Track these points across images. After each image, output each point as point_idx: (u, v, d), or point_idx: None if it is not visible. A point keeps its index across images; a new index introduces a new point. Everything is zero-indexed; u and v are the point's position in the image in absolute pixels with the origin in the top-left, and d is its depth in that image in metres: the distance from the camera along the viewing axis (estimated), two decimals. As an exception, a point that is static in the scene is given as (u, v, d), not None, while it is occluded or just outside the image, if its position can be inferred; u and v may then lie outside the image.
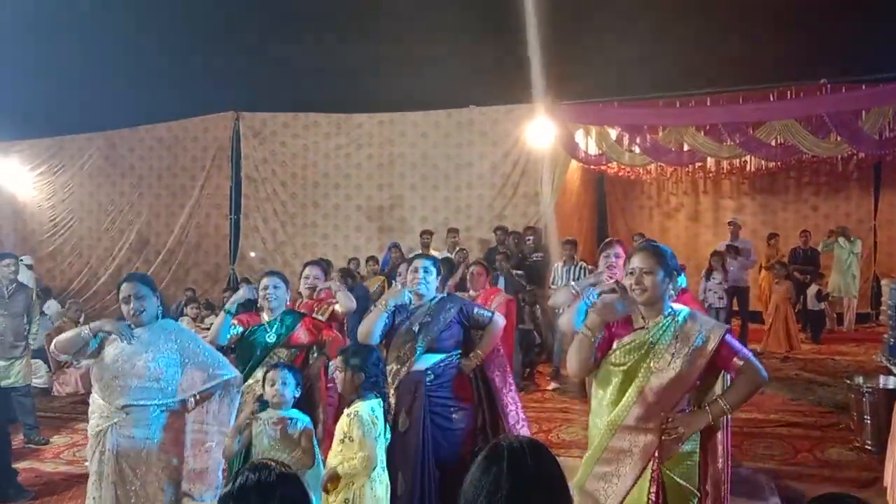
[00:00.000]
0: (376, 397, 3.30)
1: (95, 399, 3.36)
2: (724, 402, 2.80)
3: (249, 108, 12.27)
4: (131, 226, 12.62)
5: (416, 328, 3.88)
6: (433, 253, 9.09)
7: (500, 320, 4.11)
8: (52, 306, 9.76)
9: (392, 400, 3.79)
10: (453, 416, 3.87)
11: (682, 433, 2.77)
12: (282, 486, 1.75)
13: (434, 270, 4.03)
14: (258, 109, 12.23)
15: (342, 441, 3.21)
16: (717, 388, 2.96)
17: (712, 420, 2.80)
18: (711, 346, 2.79)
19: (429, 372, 3.85)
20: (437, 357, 3.88)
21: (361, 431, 3.14)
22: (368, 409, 3.22)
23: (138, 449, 3.30)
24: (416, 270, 3.99)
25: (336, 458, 3.22)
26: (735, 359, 2.81)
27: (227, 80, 12.21)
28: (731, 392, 2.85)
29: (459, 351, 4.01)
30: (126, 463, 3.27)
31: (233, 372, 3.63)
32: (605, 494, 2.84)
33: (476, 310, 4.09)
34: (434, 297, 4.00)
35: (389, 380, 3.80)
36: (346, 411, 3.27)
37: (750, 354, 2.85)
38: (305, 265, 4.95)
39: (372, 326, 3.84)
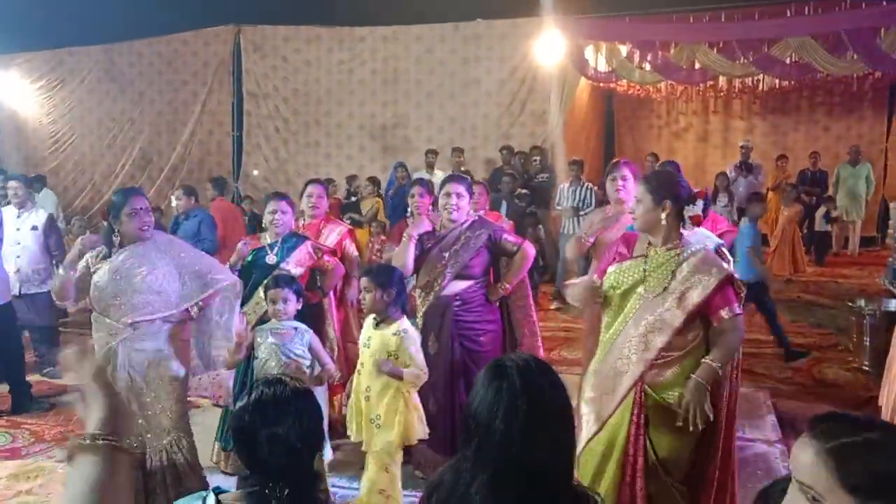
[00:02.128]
0: (403, 313, 3.37)
1: (100, 318, 3.38)
2: (713, 361, 2.73)
3: (250, 22, 11.92)
4: (133, 142, 12.49)
5: (446, 254, 3.86)
6: (437, 173, 9.03)
7: (529, 250, 4.01)
8: (48, 196, 9.57)
9: (420, 323, 3.86)
10: (481, 338, 3.89)
11: (696, 410, 2.70)
12: (296, 400, 1.78)
13: (467, 195, 3.94)
14: (259, 22, 11.89)
15: (388, 360, 3.24)
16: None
17: (706, 383, 2.70)
18: (712, 285, 2.75)
19: (457, 297, 3.86)
20: (465, 283, 3.88)
21: (414, 347, 3.24)
22: (410, 325, 3.32)
23: (149, 361, 3.35)
24: (448, 195, 3.89)
25: (381, 378, 3.25)
26: (722, 311, 2.77)
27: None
28: (718, 351, 2.76)
29: (487, 277, 4.00)
30: (138, 376, 3.32)
31: (231, 277, 3.64)
32: (592, 414, 2.90)
33: (505, 237, 3.99)
34: (465, 222, 3.93)
35: (419, 303, 3.85)
36: (388, 331, 3.27)
37: (738, 310, 2.81)
38: (308, 183, 4.89)
39: (404, 259, 3.84)
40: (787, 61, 9.46)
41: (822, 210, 10.51)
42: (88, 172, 12.70)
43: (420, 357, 3.27)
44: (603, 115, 13.17)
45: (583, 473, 2.88)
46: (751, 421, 4.75)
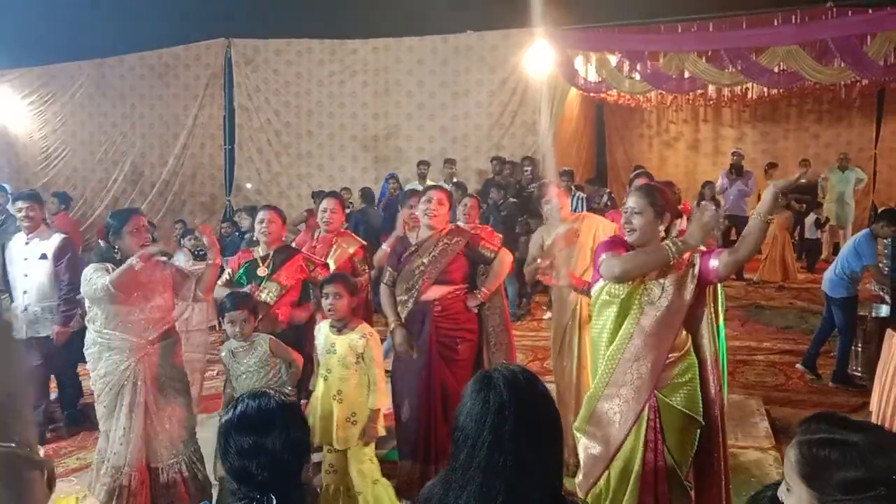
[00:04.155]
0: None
1: (117, 337, 3.42)
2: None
3: (241, 35, 11.95)
4: (125, 156, 12.49)
5: (425, 260, 3.89)
6: (430, 184, 9.03)
7: (506, 257, 4.08)
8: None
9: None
10: (458, 346, 3.91)
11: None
12: (282, 412, 1.78)
13: (447, 203, 4.01)
14: (250, 36, 11.92)
15: (356, 362, 3.49)
16: (704, 327, 2.96)
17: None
18: (696, 268, 2.83)
19: (436, 303, 3.88)
20: (445, 289, 3.90)
21: (378, 348, 3.48)
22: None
23: (164, 376, 3.52)
24: (429, 201, 3.94)
25: (352, 378, 3.47)
26: (712, 260, 2.78)
27: (217, 5, 11.82)
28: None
29: (467, 286, 4.01)
30: (158, 389, 3.47)
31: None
32: (609, 430, 2.88)
33: (482, 243, 4.04)
34: (443, 230, 3.99)
35: (399, 310, 3.89)
36: (354, 335, 3.51)
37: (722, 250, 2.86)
38: (324, 196, 4.84)
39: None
40: (776, 70, 9.51)
41: (811, 217, 10.55)
42: (80, 187, 12.67)
43: (381, 358, 3.53)
44: (593, 125, 13.23)
45: (596, 497, 2.88)
46: (744, 428, 4.76)
